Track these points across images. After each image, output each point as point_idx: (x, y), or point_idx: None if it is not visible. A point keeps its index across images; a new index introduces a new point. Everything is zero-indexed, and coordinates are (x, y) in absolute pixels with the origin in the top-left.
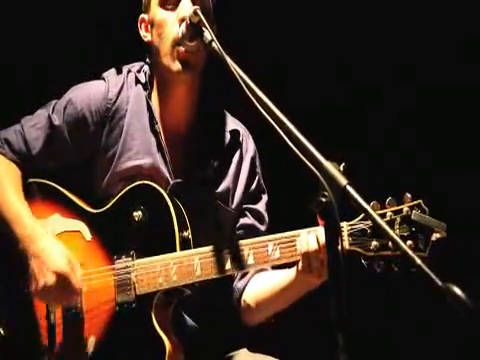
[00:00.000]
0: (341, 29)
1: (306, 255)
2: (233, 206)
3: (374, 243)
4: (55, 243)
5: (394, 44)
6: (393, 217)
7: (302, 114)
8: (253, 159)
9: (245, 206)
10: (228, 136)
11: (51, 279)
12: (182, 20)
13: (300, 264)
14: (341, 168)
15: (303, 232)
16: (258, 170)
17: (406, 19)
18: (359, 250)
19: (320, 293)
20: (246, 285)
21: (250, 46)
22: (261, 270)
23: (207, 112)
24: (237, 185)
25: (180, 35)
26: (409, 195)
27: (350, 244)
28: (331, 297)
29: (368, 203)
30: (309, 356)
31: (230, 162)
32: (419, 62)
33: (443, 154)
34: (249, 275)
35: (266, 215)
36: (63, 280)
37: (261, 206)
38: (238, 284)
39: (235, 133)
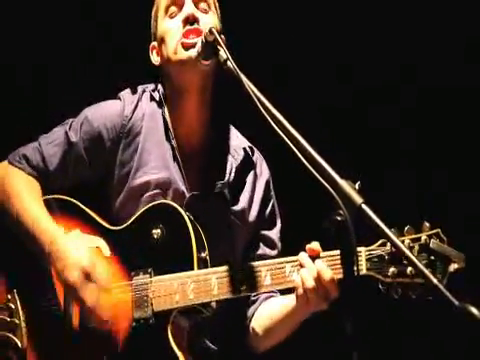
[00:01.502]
0: (341, 29)
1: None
2: (247, 224)
3: (392, 269)
4: (77, 242)
5: (394, 44)
6: (411, 245)
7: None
8: (268, 182)
9: (260, 233)
10: (242, 153)
11: (74, 275)
12: (186, 19)
13: (298, 298)
14: (357, 186)
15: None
16: (272, 194)
17: (407, 19)
18: (377, 276)
19: (333, 314)
20: (255, 312)
21: (249, 47)
22: (270, 296)
23: (219, 129)
24: (251, 206)
25: (196, 53)
26: (428, 224)
27: (368, 269)
28: (346, 316)
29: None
30: None
31: (244, 180)
32: (419, 62)
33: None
34: (257, 303)
35: (279, 242)
36: (87, 276)
37: (274, 234)
38: (248, 312)
39: (249, 150)
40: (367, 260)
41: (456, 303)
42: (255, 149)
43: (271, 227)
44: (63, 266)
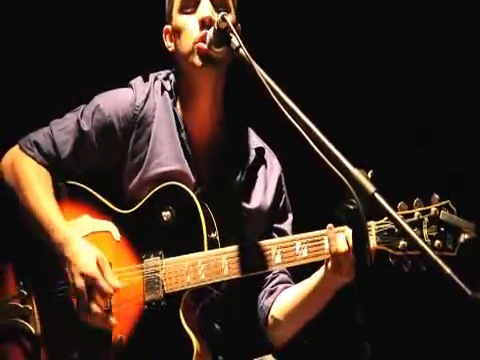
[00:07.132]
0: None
1: (336, 256)
2: (261, 220)
3: (402, 242)
4: (87, 247)
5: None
6: (421, 217)
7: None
8: (280, 178)
9: (273, 226)
10: (253, 153)
11: (80, 282)
12: (202, 21)
13: (330, 264)
14: (369, 175)
15: (331, 232)
16: (284, 189)
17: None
18: (387, 249)
19: (346, 301)
20: (274, 301)
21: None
22: (287, 287)
23: (233, 128)
24: (265, 201)
25: (208, 41)
26: (437, 196)
27: (378, 243)
28: (358, 304)
29: (395, 204)
30: None
31: (255, 178)
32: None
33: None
34: (276, 293)
35: (291, 234)
36: (92, 283)
37: (286, 226)
38: (265, 302)
39: (260, 151)
40: (377, 234)
41: (468, 292)
42: (267, 147)
43: (283, 220)
44: (72, 270)
